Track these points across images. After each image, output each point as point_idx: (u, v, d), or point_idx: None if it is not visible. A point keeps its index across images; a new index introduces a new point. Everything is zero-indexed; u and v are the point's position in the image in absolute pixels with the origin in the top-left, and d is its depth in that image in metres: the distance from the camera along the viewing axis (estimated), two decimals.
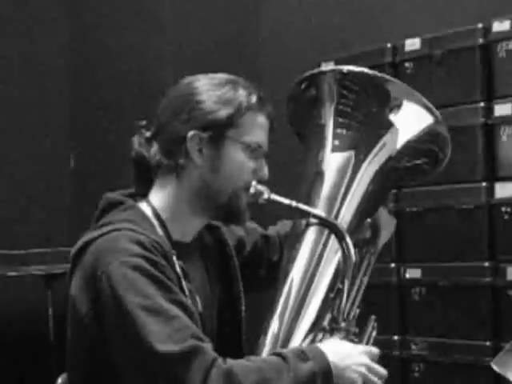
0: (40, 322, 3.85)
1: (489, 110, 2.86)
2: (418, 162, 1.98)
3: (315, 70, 1.98)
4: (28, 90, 4.39)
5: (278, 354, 1.66)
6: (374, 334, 1.89)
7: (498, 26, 2.83)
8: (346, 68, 1.94)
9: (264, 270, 2.09)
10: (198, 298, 1.81)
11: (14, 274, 3.83)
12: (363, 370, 1.69)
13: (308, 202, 1.87)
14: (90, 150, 4.53)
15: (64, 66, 4.56)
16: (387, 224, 2.06)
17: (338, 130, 1.93)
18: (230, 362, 1.62)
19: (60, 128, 4.54)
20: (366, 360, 1.71)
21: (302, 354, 1.65)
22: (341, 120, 1.93)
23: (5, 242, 4.02)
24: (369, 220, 1.95)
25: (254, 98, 1.82)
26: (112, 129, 4.25)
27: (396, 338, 3.07)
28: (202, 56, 3.96)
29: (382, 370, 1.73)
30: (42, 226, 4.33)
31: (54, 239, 4.05)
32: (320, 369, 1.64)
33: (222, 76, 1.85)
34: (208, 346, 1.62)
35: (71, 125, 4.59)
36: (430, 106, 1.90)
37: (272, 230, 2.17)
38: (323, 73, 1.98)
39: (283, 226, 2.15)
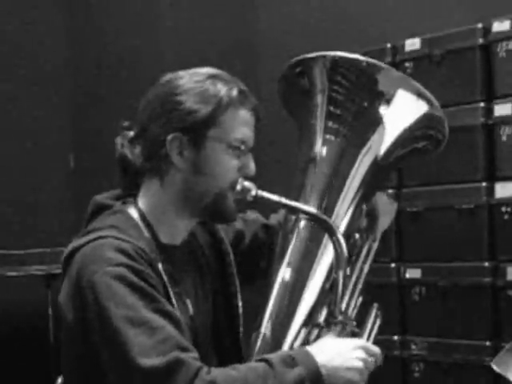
0: (40, 322, 3.85)
1: (489, 110, 2.86)
2: (418, 145, 1.95)
3: (307, 55, 1.92)
4: (28, 90, 4.39)
5: (265, 360, 1.63)
6: (378, 322, 1.87)
7: (498, 26, 2.83)
8: (338, 54, 1.89)
9: (265, 260, 2.03)
10: (188, 302, 1.79)
11: (13, 273, 3.83)
12: (360, 365, 1.67)
13: (301, 193, 1.86)
14: (89, 150, 4.53)
15: (64, 66, 4.56)
16: (386, 209, 2.03)
17: (330, 122, 1.90)
18: (214, 372, 1.59)
19: (60, 128, 4.54)
20: (360, 354, 1.69)
21: (289, 359, 1.63)
22: (332, 109, 1.90)
23: (5, 241, 4.02)
24: (364, 207, 1.92)
25: (234, 93, 1.75)
26: (112, 129, 4.25)
27: (396, 338, 3.07)
28: (201, 55, 3.96)
29: (374, 364, 1.71)
30: (42, 226, 4.33)
31: (54, 239, 4.04)
32: (308, 373, 1.62)
33: (202, 71, 1.80)
34: (192, 355, 1.59)
35: (71, 125, 4.59)
36: (423, 90, 1.86)
37: (273, 219, 2.12)
38: (314, 58, 1.92)
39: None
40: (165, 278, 1.71)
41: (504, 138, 2.83)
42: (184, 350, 1.59)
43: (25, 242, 4.03)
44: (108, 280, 1.61)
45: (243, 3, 4.06)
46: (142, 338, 1.57)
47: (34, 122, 4.40)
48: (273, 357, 1.65)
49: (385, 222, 2.03)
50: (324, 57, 1.91)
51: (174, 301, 1.70)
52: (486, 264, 2.86)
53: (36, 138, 4.40)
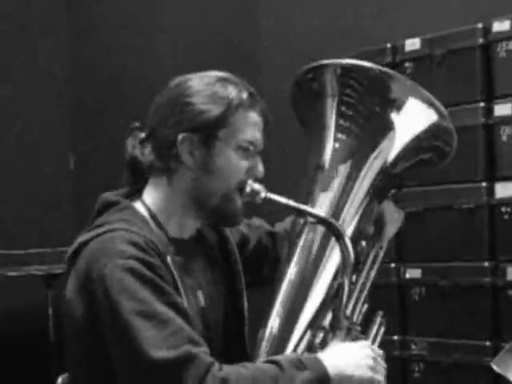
0: (40, 321, 3.85)
1: (489, 110, 2.86)
2: (424, 157, 1.96)
3: (323, 61, 1.95)
4: (28, 90, 4.39)
5: (275, 362, 1.64)
6: (382, 330, 1.88)
7: (498, 26, 2.83)
8: (350, 62, 1.92)
9: (269, 266, 2.06)
10: (200, 293, 1.81)
11: (13, 273, 3.83)
12: (369, 362, 1.69)
13: (309, 198, 1.86)
14: (89, 151, 4.53)
15: (64, 67, 4.56)
16: (393, 218, 2.04)
17: (341, 121, 1.91)
18: (226, 369, 1.60)
19: (60, 128, 4.54)
20: (369, 352, 1.71)
21: (298, 363, 1.64)
22: (342, 123, 1.91)
23: (5, 241, 4.02)
24: (374, 213, 1.93)
25: (244, 95, 1.79)
26: (112, 129, 4.25)
27: (396, 338, 3.06)
28: (202, 56, 3.96)
29: (383, 363, 1.74)
30: (42, 226, 4.33)
31: (54, 239, 4.05)
32: (317, 378, 1.63)
33: (211, 74, 1.83)
34: (203, 350, 1.60)
35: (71, 125, 4.59)
36: (434, 100, 1.87)
37: (279, 227, 2.14)
38: (326, 66, 1.94)
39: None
40: (174, 271, 1.71)
41: (504, 138, 2.83)
42: (195, 343, 1.60)
43: (25, 242, 4.04)
44: (119, 273, 1.62)
45: (245, 11, 4.06)
46: (153, 331, 1.57)
47: (33, 123, 4.40)
48: (282, 359, 1.66)
49: (391, 229, 2.05)
50: (337, 64, 1.93)
51: (183, 294, 1.71)
52: (486, 264, 2.85)
53: (36, 138, 4.41)
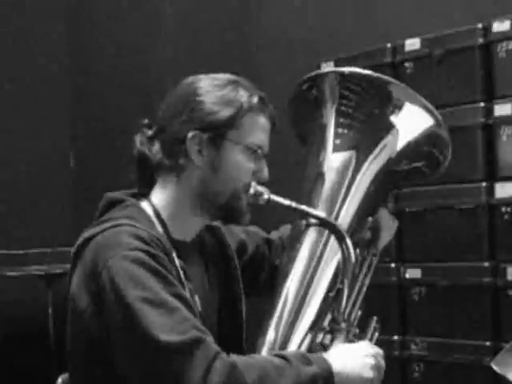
0: (40, 322, 3.85)
1: (489, 110, 2.86)
2: (418, 164, 1.98)
3: (317, 72, 1.99)
4: (28, 89, 4.39)
5: (281, 356, 1.66)
6: (377, 334, 1.89)
7: (498, 26, 2.83)
8: (347, 70, 1.94)
9: (266, 273, 2.09)
10: (197, 298, 1.81)
11: (13, 273, 3.83)
12: (371, 361, 1.71)
13: (309, 203, 1.87)
14: (90, 150, 4.53)
15: (64, 66, 4.56)
16: (388, 225, 2.06)
17: (339, 131, 1.93)
18: (233, 356, 1.62)
19: (60, 128, 4.54)
20: (370, 350, 1.73)
21: (304, 358, 1.66)
22: (342, 121, 1.93)
23: (5, 241, 4.02)
24: (370, 220, 1.95)
25: (255, 99, 1.82)
26: (112, 128, 4.26)
27: (396, 338, 3.07)
28: (202, 55, 3.97)
29: (383, 362, 1.75)
30: (42, 226, 4.33)
31: (54, 239, 4.05)
32: (322, 373, 1.64)
33: (223, 76, 1.85)
34: (210, 338, 1.62)
35: (71, 124, 4.59)
36: (432, 108, 1.90)
37: (274, 235, 2.17)
38: (325, 74, 1.98)
39: (286, 230, 2.15)
40: (179, 268, 1.74)
41: (504, 138, 2.83)
42: (202, 331, 1.61)
43: (25, 242, 4.03)
44: (125, 263, 1.63)
45: (245, 11, 4.06)
46: (161, 318, 1.59)
47: (33, 120, 4.40)
48: (288, 354, 1.68)
49: (386, 236, 2.06)
50: (334, 72, 1.98)
51: (187, 292, 1.73)
52: (486, 264, 2.85)
53: (36, 137, 4.40)
